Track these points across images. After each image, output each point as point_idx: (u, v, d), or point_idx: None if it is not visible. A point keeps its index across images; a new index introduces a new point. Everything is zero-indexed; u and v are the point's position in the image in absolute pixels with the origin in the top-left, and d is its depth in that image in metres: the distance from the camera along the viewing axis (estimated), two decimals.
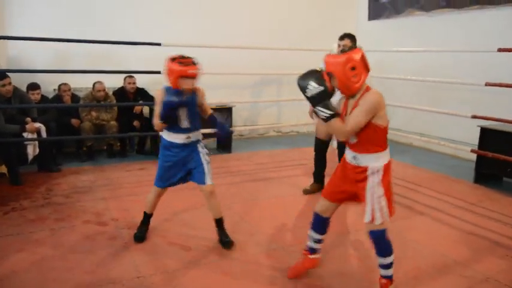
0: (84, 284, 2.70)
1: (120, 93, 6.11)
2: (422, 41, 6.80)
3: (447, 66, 6.44)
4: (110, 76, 5.73)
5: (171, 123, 3.07)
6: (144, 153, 6.35)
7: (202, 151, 3.20)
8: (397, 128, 7.11)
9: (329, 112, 2.29)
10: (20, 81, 5.12)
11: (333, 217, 2.73)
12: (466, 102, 6.10)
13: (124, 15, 6.45)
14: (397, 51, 7.00)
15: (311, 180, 4.70)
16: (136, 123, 6.01)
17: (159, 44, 5.17)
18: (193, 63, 2.97)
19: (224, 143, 3.14)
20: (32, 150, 4.83)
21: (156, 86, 6.67)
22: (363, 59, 2.33)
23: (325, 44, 6.26)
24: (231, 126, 6.36)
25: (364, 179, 2.41)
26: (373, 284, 2.73)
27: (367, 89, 2.37)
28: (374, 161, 2.39)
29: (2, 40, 5.80)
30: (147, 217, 3.42)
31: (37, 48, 5.71)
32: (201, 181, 3.14)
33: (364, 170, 2.41)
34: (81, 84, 6.07)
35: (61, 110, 5.68)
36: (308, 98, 2.32)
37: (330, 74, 2.33)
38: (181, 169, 3.19)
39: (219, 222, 3.30)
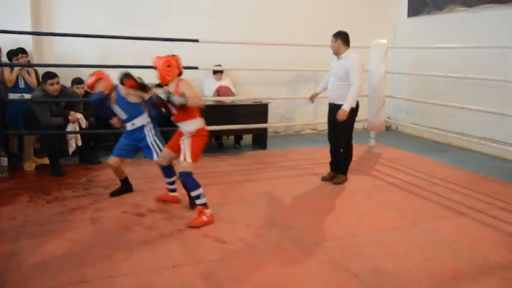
0: (121, 271, 2.77)
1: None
2: (465, 38, 6.53)
3: (490, 63, 6.21)
4: (150, 72, 5.83)
5: (119, 118, 4.10)
6: None
7: (148, 133, 3.97)
8: (436, 126, 6.94)
9: (181, 98, 3.30)
10: (65, 77, 5.30)
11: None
12: (509, 101, 5.84)
13: (162, 15, 6.53)
14: (438, 48, 6.83)
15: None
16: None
17: (196, 41, 5.25)
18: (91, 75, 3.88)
19: (158, 118, 4.06)
20: (74, 143, 5.01)
21: (194, 82, 6.73)
22: (177, 62, 3.53)
23: (364, 41, 6.16)
24: (266, 122, 6.36)
25: (183, 138, 3.57)
26: None
27: (180, 79, 3.53)
28: (188, 126, 3.52)
29: (48, 38, 6.04)
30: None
31: (80, 46, 5.91)
32: (150, 157, 4.03)
33: (183, 133, 3.57)
34: None
35: None
36: (168, 100, 3.33)
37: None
38: (133, 147, 4.04)
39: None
